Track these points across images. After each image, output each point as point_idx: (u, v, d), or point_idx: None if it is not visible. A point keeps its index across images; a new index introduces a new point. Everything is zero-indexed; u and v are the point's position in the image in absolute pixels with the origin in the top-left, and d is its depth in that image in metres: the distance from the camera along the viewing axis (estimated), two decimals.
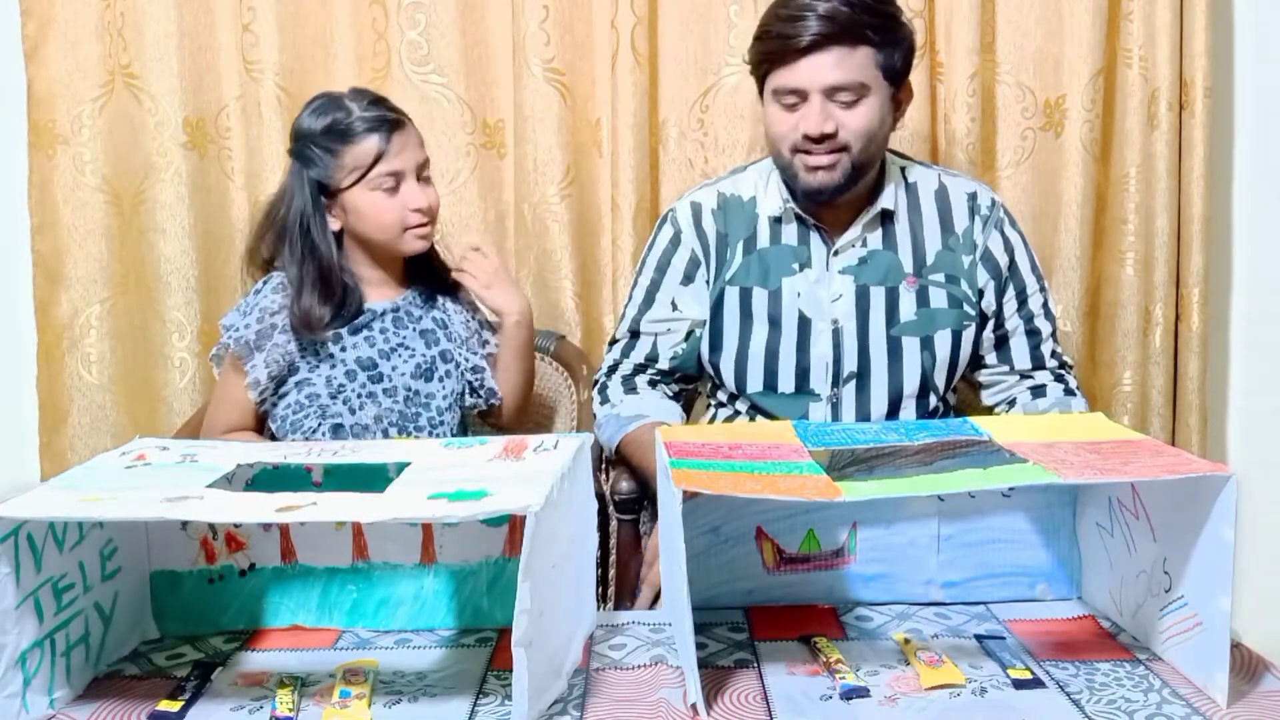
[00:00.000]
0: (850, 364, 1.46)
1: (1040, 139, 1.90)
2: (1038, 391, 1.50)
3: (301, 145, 1.45)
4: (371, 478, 1.07)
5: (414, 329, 1.52)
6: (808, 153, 1.40)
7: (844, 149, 1.39)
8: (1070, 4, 1.84)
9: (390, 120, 1.44)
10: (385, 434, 1.48)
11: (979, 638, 1.07)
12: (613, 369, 1.57)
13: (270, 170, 1.84)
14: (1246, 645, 1.01)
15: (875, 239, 1.47)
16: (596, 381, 1.59)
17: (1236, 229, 1.99)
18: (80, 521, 0.97)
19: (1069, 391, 1.50)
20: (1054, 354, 1.52)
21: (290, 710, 0.93)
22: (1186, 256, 1.90)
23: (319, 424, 1.45)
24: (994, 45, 1.87)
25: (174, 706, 0.94)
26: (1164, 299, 1.90)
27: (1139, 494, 1.04)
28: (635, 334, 1.55)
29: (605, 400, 1.55)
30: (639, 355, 1.55)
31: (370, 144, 1.42)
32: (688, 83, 1.87)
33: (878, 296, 1.46)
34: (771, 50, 1.39)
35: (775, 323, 1.47)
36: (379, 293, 1.52)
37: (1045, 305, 1.52)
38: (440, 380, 1.51)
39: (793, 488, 0.97)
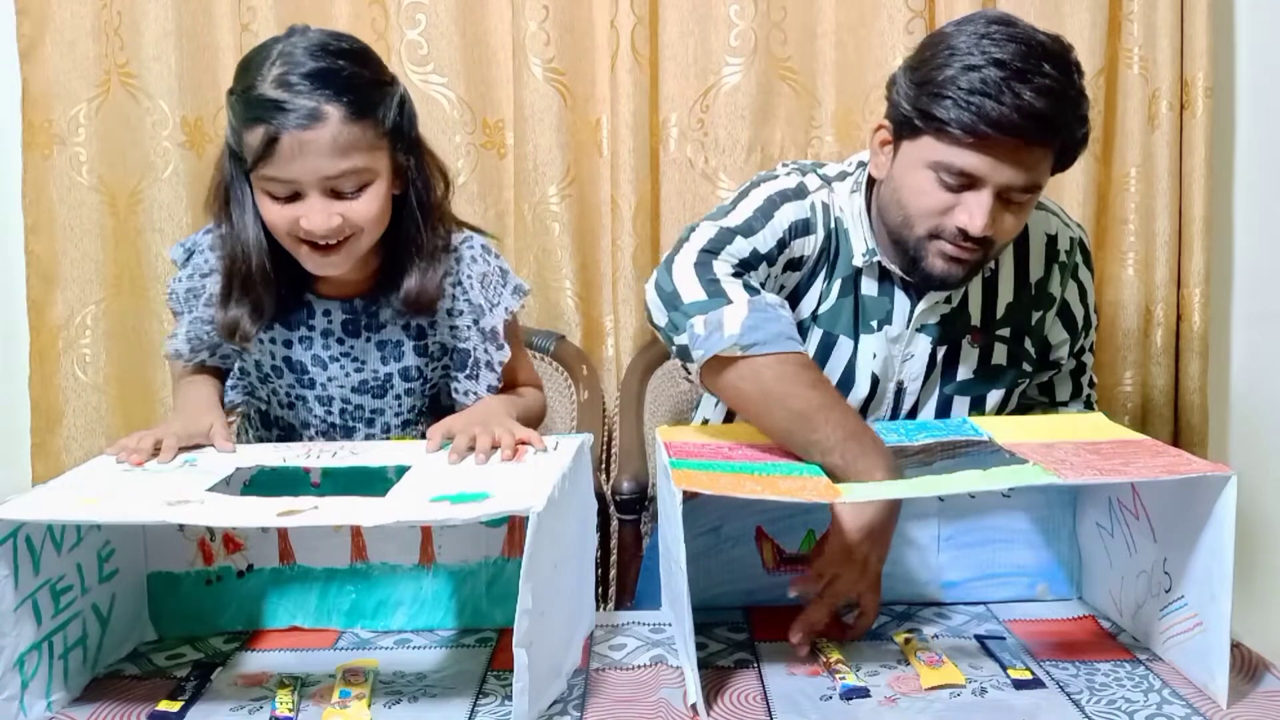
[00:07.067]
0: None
1: None
2: (1059, 407, 1.43)
3: (230, 87, 1.14)
4: (371, 480, 1.06)
5: (369, 337, 1.24)
6: (951, 244, 1.17)
7: (989, 246, 1.18)
8: (1070, 4, 1.84)
9: (291, 113, 1.06)
10: (312, 442, 1.27)
11: (979, 638, 1.07)
12: (704, 249, 1.17)
13: None
14: (1246, 645, 1.01)
15: (958, 293, 1.27)
16: (669, 260, 1.18)
17: (1237, 229, 1.99)
18: (78, 524, 0.97)
19: (1089, 405, 1.43)
20: (1090, 381, 1.43)
21: (290, 710, 0.92)
22: (1187, 256, 1.90)
23: (245, 400, 1.28)
24: None
25: (174, 707, 0.93)
26: (1165, 299, 1.90)
27: (1139, 494, 1.04)
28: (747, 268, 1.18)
29: (712, 278, 1.14)
30: (740, 253, 1.18)
31: (255, 136, 1.08)
32: (688, 83, 1.86)
33: (940, 354, 1.29)
34: (953, 119, 1.10)
35: (847, 383, 1.27)
36: (334, 286, 1.23)
37: (1093, 339, 1.40)
38: (396, 398, 1.28)
39: (793, 489, 0.97)
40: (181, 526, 1.09)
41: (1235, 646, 0.97)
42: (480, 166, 1.90)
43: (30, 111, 1.88)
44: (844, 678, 0.97)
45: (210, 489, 0.98)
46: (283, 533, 1.11)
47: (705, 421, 1.46)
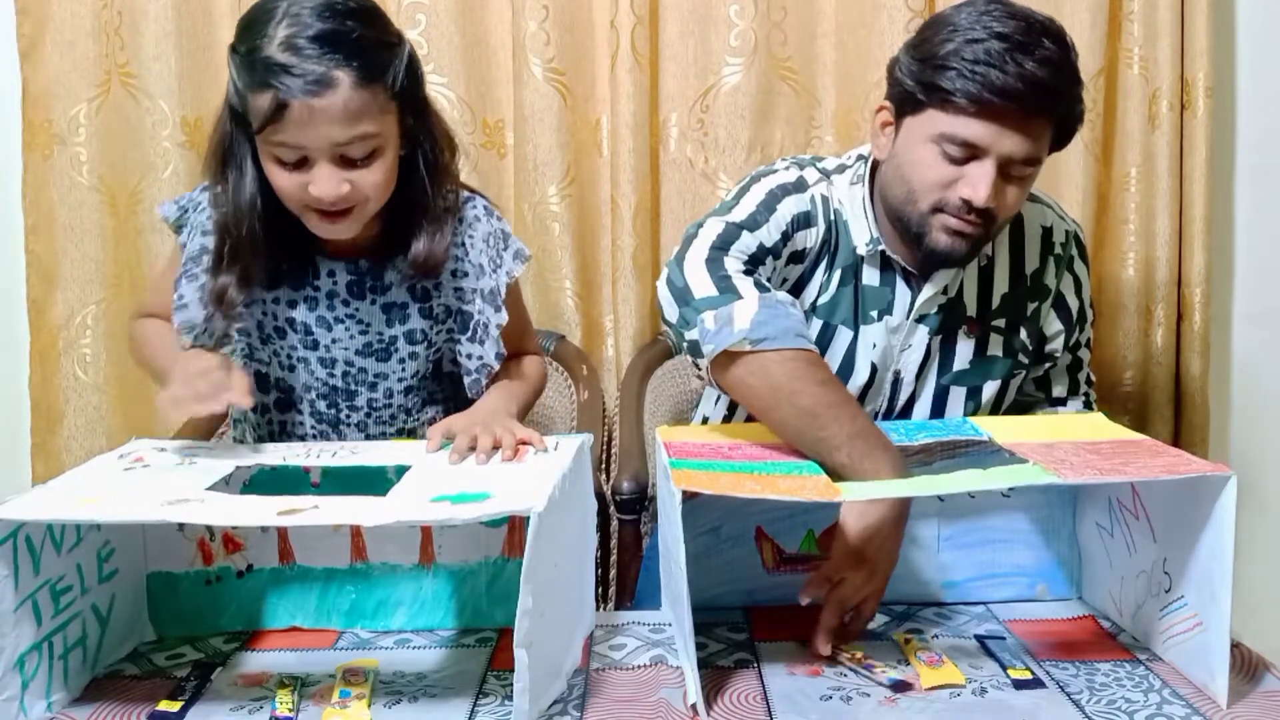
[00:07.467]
0: (895, 414, 1.32)
1: None
2: (1057, 404, 1.43)
3: (232, 44, 1.12)
4: (371, 480, 1.06)
5: (374, 300, 1.23)
6: (954, 216, 1.18)
7: (991, 221, 1.19)
8: (1070, 4, 1.84)
9: (300, 79, 1.04)
10: (312, 405, 1.28)
11: (979, 638, 1.07)
12: (714, 246, 1.18)
13: None
14: (1246, 645, 1.01)
15: (955, 284, 1.28)
16: (680, 256, 1.19)
17: (1238, 229, 1.99)
18: (78, 524, 0.97)
19: (1088, 405, 1.43)
20: (1088, 379, 1.42)
21: (290, 710, 0.92)
22: (1188, 256, 1.90)
23: (244, 363, 1.25)
24: None
25: (174, 707, 0.93)
26: (1165, 298, 1.90)
27: (1139, 494, 1.04)
28: (756, 263, 1.20)
29: (724, 274, 1.15)
30: (749, 247, 1.20)
31: (262, 101, 1.06)
32: (688, 83, 1.86)
33: (936, 344, 1.29)
34: (958, 89, 1.13)
35: (845, 372, 1.27)
36: (339, 246, 1.21)
37: (1089, 335, 1.40)
38: (400, 361, 1.26)
39: (792, 488, 0.97)
40: (181, 526, 1.09)
41: (1235, 646, 0.97)
42: (480, 166, 1.90)
43: (30, 111, 1.88)
44: (887, 672, 0.97)
45: (210, 488, 0.98)
46: (282, 533, 1.11)
47: (705, 421, 1.46)
